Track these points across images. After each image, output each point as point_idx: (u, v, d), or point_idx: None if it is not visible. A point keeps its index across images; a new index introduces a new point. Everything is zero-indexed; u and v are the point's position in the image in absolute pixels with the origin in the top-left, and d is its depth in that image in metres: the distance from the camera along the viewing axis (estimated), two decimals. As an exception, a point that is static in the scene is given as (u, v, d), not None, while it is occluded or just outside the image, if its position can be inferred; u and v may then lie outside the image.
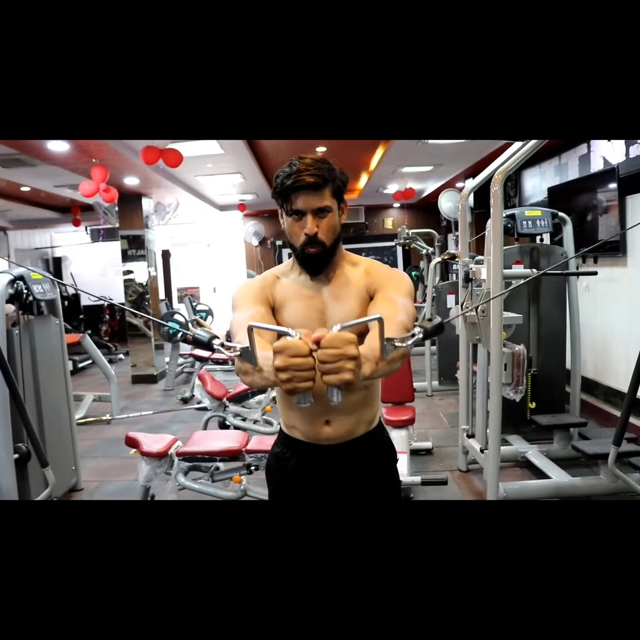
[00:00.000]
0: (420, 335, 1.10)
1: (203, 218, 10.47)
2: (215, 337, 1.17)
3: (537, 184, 6.28)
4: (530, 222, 4.06)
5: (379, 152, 6.48)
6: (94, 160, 5.17)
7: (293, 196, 1.32)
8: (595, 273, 3.99)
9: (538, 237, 4.34)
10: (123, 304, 7.47)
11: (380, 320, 1.00)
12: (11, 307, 3.20)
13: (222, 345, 1.12)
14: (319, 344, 0.95)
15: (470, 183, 3.81)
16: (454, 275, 6.71)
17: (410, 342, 1.07)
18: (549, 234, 4.41)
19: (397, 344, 1.05)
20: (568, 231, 4.13)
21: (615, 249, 4.33)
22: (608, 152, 4.58)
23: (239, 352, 1.07)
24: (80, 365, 7.93)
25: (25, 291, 3.15)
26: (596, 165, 4.79)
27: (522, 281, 3.58)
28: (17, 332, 3.14)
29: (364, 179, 8.30)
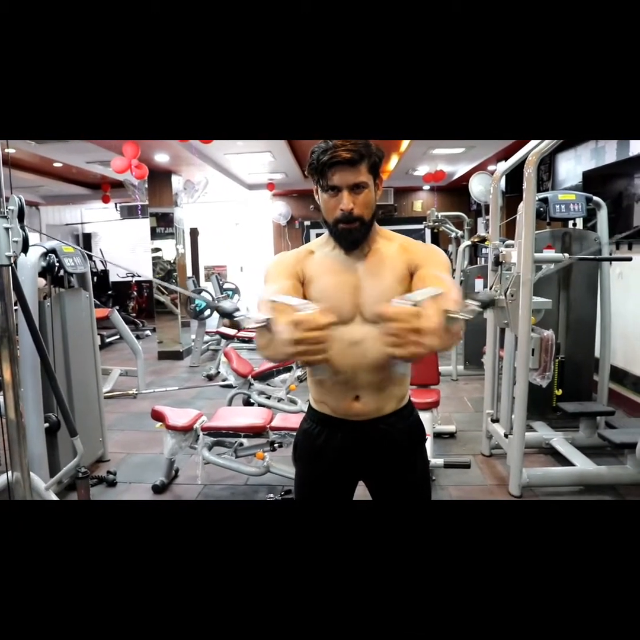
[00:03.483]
0: (478, 308, 1.12)
1: (232, 197, 10.48)
2: (238, 309, 1.20)
3: (571, 168, 6.13)
4: (563, 206, 3.97)
5: (410, 133, 6.38)
6: (125, 136, 5.19)
7: (329, 172, 1.31)
8: (629, 259, 3.90)
9: (571, 222, 4.25)
10: (149, 282, 7.52)
11: (442, 295, 1.04)
12: (42, 281, 3.26)
13: (245, 317, 1.15)
14: (385, 317, 0.96)
15: (503, 165, 3.73)
16: (483, 259, 6.62)
17: (469, 314, 1.11)
18: (581, 219, 4.31)
19: (460, 316, 1.09)
20: (602, 216, 4.03)
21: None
22: (648, 135, 4.44)
23: (263, 324, 1.09)
24: (107, 339, 8.06)
25: (56, 264, 3.20)
26: (636, 149, 4.65)
27: (552, 267, 3.52)
28: (48, 304, 3.20)
29: (394, 161, 8.20)
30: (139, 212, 8.73)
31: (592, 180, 5.13)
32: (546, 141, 2.85)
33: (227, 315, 1.23)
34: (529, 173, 2.93)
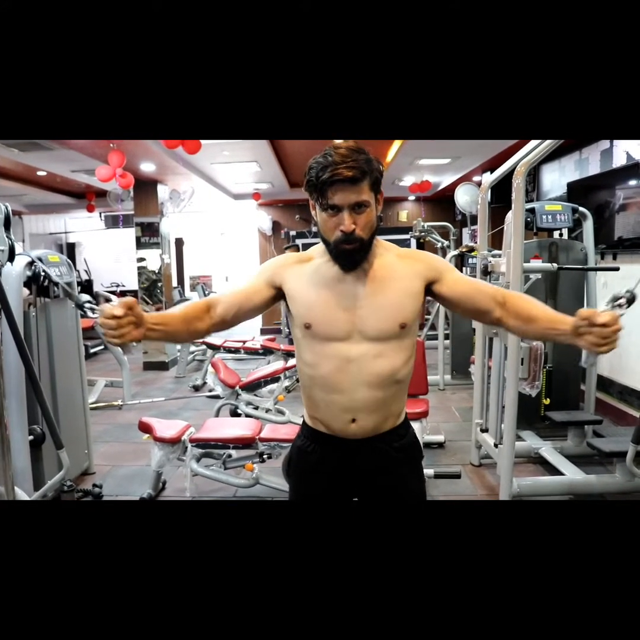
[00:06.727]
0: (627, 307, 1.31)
1: (217, 206, 10.44)
2: (89, 301, 1.29)
3: (556, 179, 6.21)
4: (550, 217, 4.00)
5: (396, 144, 6.42)
6: (111, 145, 5.16)
7: (329, 190, 1.24)
8: (617, 269, 3.93)
9: (557, 232, 4.28)
10: (134, 292, 7.45)
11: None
12: (26, 291, 3.20)
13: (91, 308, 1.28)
14: (600, 323, 1.15)
15: (491, 175, 3.76)
16: (468, 268, 6.65)
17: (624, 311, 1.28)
18: (567, 229, 4.35)
19: (620, 311, 1.26)
20: (588, 227, 4.07)
21: (636, 245, 4.27)
22: (632, 146, 4.50)
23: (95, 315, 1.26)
24: (92, 350, 7.95)
25: (42, 274, 3.14)
26: (619, 160, 4.72)
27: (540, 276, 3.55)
28: (33, 314, 3.14)
29: (379, 171, 8.25)
30: (121, 222, 8.66)
31: (576, 191, 5.20)
32: (536, 151, 2.86)
33: (79, 306, 1.37)
34: (518, 183, 2.95)
